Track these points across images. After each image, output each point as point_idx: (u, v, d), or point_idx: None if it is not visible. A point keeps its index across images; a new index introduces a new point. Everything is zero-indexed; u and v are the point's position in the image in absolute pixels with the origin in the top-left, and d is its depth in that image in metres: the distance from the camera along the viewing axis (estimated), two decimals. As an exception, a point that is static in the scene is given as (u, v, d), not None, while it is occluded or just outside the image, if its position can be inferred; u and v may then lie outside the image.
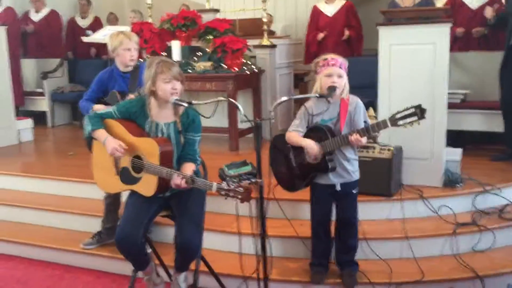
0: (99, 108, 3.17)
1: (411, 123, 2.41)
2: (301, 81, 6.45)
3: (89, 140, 2.68)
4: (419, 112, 2.38)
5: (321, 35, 5.59)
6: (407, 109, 2.42)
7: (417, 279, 2.87)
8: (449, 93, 3.54)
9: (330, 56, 2.67)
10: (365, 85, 4.04)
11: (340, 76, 2.64)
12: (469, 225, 3.21)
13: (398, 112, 2.44)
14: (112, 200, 3.38)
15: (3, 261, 3.63)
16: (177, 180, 2.36)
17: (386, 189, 3.34)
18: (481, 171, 3.80)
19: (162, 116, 2.57)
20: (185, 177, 2.36)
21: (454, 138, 4.08)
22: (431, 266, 3.00)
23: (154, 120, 2.57)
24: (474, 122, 4.41)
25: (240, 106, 2.38)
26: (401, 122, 2.43)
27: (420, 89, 3.42)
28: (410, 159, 3.53)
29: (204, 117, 2.44)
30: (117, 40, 3.19)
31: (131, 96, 3.08)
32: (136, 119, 2.59)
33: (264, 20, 5.25)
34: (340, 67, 2.64)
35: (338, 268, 2.94)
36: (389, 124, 2.45)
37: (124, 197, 3.34)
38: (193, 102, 2.45)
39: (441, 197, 3.41)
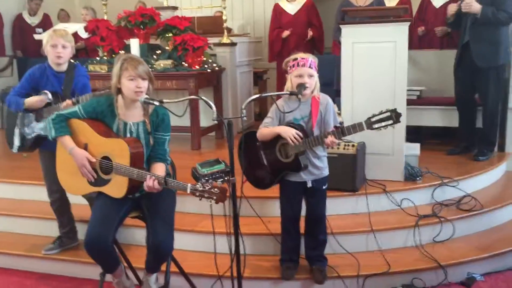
0: (32, 101, 3.02)
1: (385, 126, 2.46)
2: (260, 79, 6.49)
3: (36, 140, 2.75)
4: (394, 116, 2.44)
5: (286, 33, 5.62)
6: (382, 112, 2.47)
7: (384, 270, 2.96)
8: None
9: (300, 56, 2.67)
10: (323, 82, 4.09)
11: (311, 76, 2.66)
12: (430, 217, 3.33)
13: (374, 116, 2.49)
14: (60, 203, 3.29)
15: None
16: (150, 182, 2.31)
17: (352, 184, 3.41)
18: (438, 165, 3.95)
19: (131, 116, 2.50)
20: (158, 179, 2.32)
21: (413, 133, 4.20)
22: (396, 258, 3.10)
23: (122, 119, 2.50)
24: (430, 117, 4.57)
25: (213, 105, 2.35)
26: (376, 126, 2.48)
27: (381, 86, 3.52)
28: (372, 154, 3.62)
29: (176, 115, 2.40)
30: (47, 36, 3.07)
31: (68, 101, 2.95)
32: (103, 118, 2.51)
33: (225, 18, 5.24)
34: (310, 66, 2.66)
35: (307, 263, 2.98)
36: (365, 127, 2.50)
37: (71, 196, 3.26)
38: (165, 101, 2.40)
39: (403, 191, 3.52)
